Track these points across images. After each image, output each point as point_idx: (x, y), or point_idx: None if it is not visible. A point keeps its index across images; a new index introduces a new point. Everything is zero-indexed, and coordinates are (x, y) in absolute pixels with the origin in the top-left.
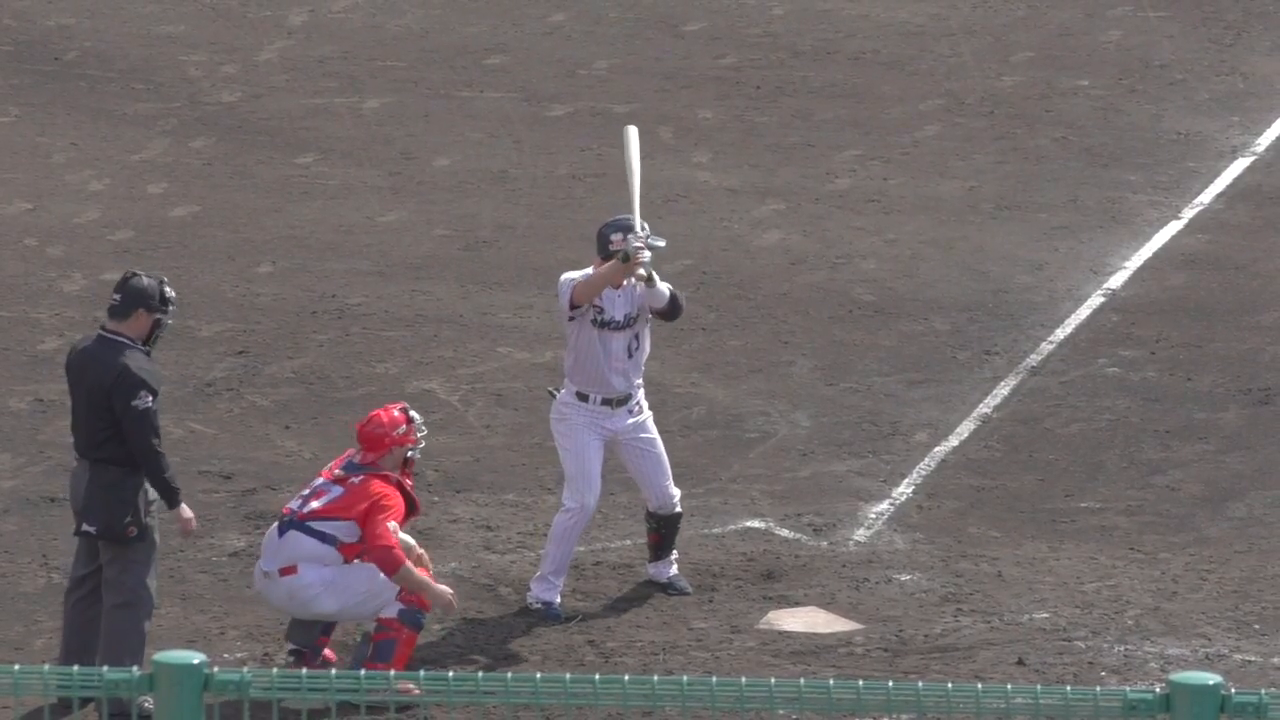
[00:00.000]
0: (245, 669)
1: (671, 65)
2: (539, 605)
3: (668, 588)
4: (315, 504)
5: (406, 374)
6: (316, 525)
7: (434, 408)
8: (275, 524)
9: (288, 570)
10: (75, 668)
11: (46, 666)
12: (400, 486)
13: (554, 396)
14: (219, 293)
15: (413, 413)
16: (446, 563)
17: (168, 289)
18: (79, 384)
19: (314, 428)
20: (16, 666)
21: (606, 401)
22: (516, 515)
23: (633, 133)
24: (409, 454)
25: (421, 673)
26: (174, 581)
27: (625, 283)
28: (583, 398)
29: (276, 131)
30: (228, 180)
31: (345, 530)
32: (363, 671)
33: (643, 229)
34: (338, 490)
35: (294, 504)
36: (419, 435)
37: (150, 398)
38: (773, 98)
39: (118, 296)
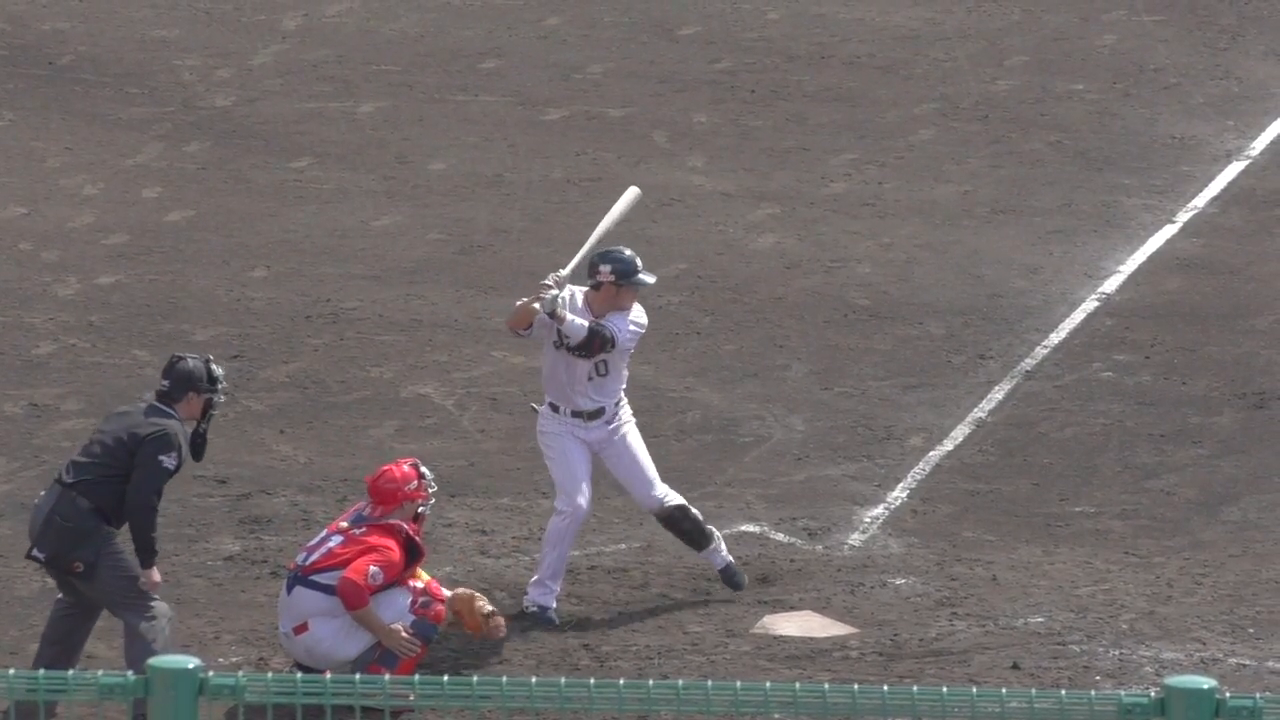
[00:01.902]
0: (240, 673)
1: (666, 69)
2: (535, 609)
3: (725, 576)
4: (316, 556)
5: (401, 378)
6: (318, 578)
7: (429, 412)
8: (284, 583)
9: (301, 629)
10: (70, 672)
11: (41, 672)
12: (407, 536)
13: (536, 411)
14: (213, 297)
15: (423, 468)
16: (441, 567)
17: (215, 367)
18: (111, 423)
19: (309, 432)
20: (11, 671)
21: (576, 414)
22: (511, 519)
23: (633, 193)
24: (420, 509)
25: (416, 677)
26: (169, 586)
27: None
28: (555, 409)
29: (271, 136)
30: (222, 184)
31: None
32: (357, 675)
33: (571, 273)
34: (338, 539)
35: (299, 558)
36: (430, 490)
37: (176, 463)
38: (767, 102)
39: (166, 382)
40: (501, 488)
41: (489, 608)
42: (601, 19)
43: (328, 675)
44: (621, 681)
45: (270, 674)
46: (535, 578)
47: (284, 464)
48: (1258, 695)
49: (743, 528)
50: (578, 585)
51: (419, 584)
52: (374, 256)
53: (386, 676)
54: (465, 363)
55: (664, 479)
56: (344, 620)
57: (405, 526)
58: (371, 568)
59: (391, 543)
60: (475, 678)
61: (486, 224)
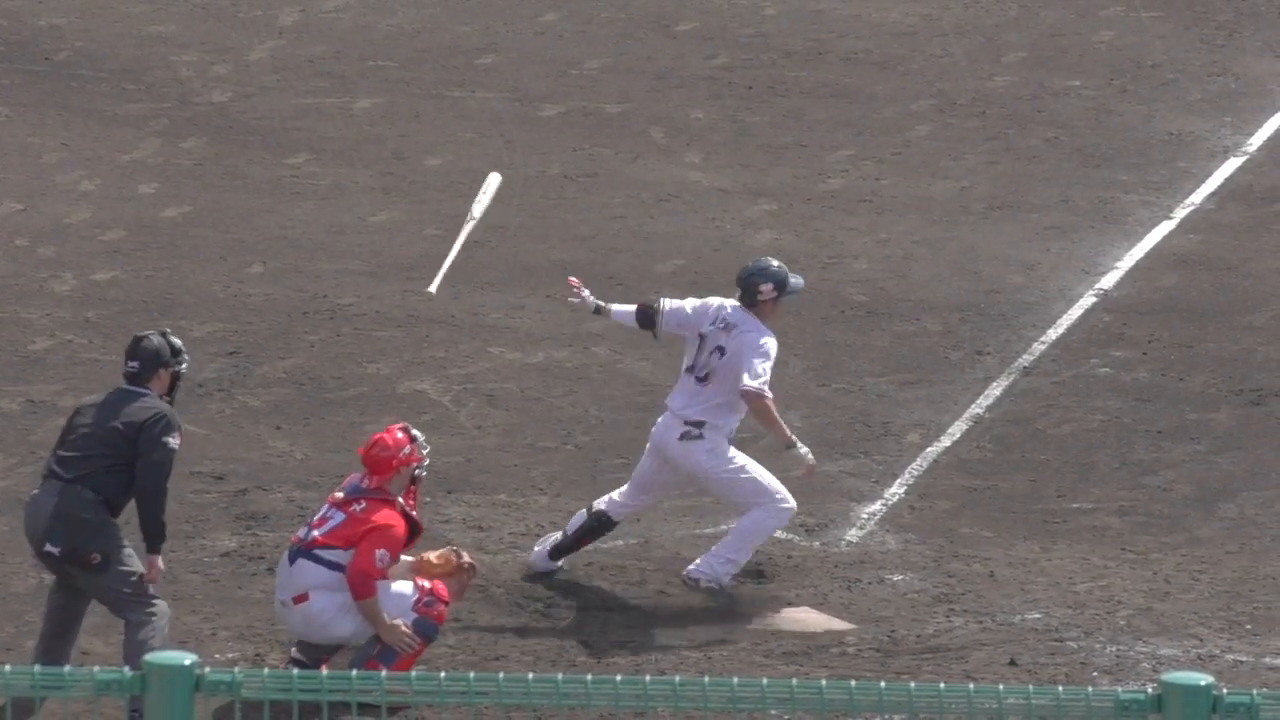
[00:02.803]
0: (237, 669)
1: (663, 65)
2: (711, 584)
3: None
4: (318, 532)
5: (398, 374)
6: (322, 554)
7: (425, 408)
8: (286, 553)
9: (301, 598)
10: (66, 668)
11: (37, 668)
12: (403, 511)
13: (699, 436)
14: (210, 293)
15: (414, 431)
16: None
17: (174, 339)
18: (92, 415)
19: (305, 428)
20: (8, 667)
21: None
22: (508, 516)
23: (494, 180)
24: (416, 473)
25: (413, 673)
26: (166, 582)
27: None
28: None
29: (267, 131)
30: (219, 180)
31: (350, 558)
32: (354, 671)
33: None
34: (340, 517)
35: (301, 532)
36: (424, 453)
37: (179, 441)
38: (765, 98)
39: (135, 364)
40: (499, 484)
41: (453, 559)
42: (598, 15)
43: (324, 671)
44: (618, 678)
45: (267, 670)
46: (713, 552)
47: (281, 460)
48: (1254, 692)
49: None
50: (575, 582)
51: (426, 583)
52: (371, 252)
53: (383, 673)
54: (462, 359)
55: None
56: (345, 597)
57: (403, 503)
58: (379, 552)
59: (394, 516)
60: (472, 674)
61: (483, 220)
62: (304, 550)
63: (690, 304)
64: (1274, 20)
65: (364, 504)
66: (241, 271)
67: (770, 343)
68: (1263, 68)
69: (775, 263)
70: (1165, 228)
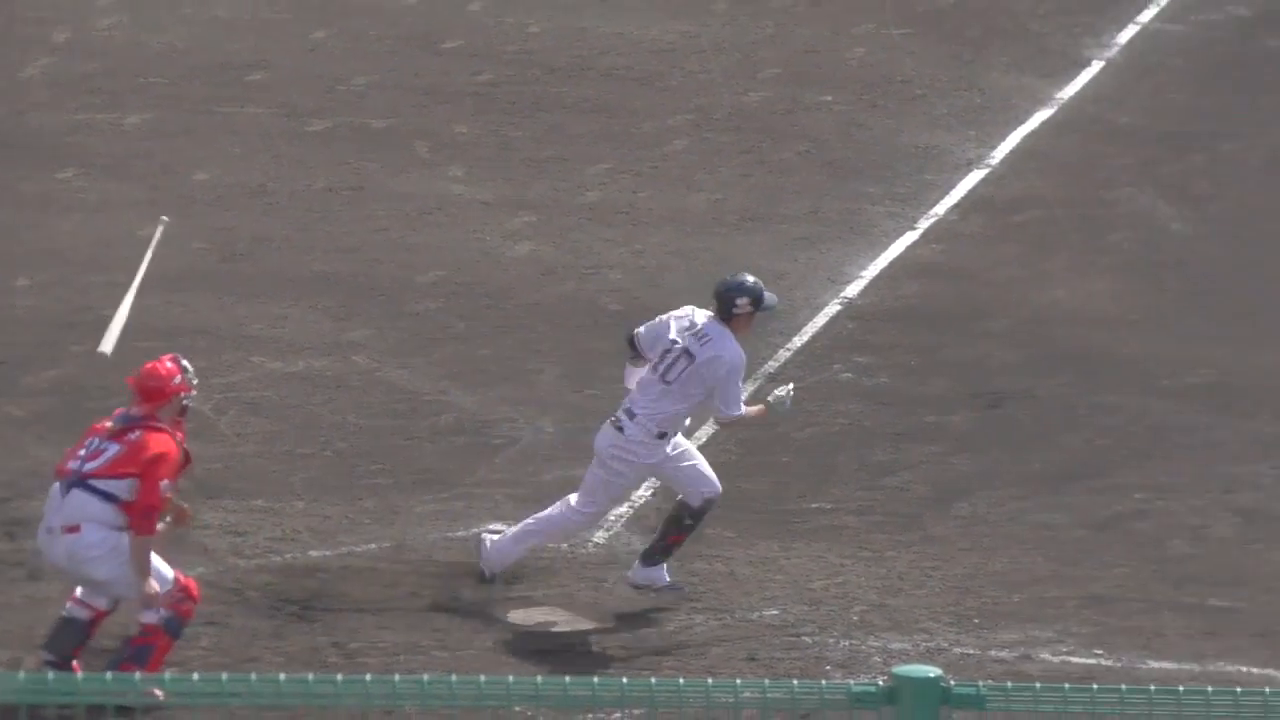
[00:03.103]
0: None
1: (430, 81)
2: (489, 576)
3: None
4: (94, 464)
5: None
6: (98, 484)
7: (186, 416)
8: (57, 483)
9: (72, 529)
10: None
11: None
12: (174, 439)
13: (621, 429)
14: None
15: (184, 361)
16: (194, 568)
17: None
18: None
19: (69, 436)
20: None
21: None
22: (265, 521)
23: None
24: (185, 403)
25: (167, 675)
26: None
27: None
28: (663, 436)
29: (38, 147)
30: None
31: (126, 489)
32: (109, 674)
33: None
34: (116, 448)
35: (73, 464)
36: (193, 383)
37: None
38: (528, 113)
39: None
40: (257, 490)
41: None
42: (367, 33)
43: (79, 674)
44: (368, 677)
45: (22, 673)
46: (504, 537)
47: (43, 469)
48: (980, 683)
49: (491, 526)
50: (328, 585)
51: (182, 577)
52: (137, 265)
53: (138, 675)
54: (224, 368)
55: (417, 481)
56: (118, 537)
57: (174, 432)
58: (163, 483)
59: (170, 443)
60: (225, 675)
61: (249, 233)
62: (79, 481)
63: (657, 321)
64: (1019, 36)
65: (138, 433)
66: (7, 284)
67: (741, 369)
68: (1008, 83)
69: (751, 279)
70: (909, 238)
